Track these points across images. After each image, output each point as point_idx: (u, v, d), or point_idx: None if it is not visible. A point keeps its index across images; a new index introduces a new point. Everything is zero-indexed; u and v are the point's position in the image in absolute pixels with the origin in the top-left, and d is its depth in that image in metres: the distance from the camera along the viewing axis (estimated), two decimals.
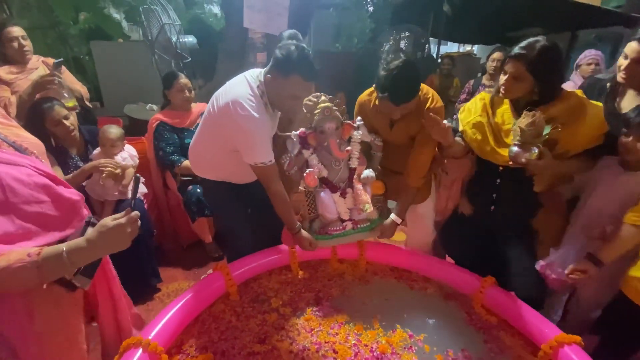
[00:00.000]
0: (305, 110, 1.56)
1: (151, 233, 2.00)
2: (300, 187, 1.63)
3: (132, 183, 0.93)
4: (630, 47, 1.32)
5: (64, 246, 0.81)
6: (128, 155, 1.92)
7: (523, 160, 1.30)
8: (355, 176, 1.61)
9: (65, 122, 1.75)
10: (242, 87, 1.33)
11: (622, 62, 1.38)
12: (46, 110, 1.71)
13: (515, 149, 1.31)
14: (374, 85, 1.50)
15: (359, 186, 1.59)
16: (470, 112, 1.57)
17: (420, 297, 1.64)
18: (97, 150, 1.88)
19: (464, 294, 1.63)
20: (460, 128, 1.59)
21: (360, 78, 4.49)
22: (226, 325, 1.45)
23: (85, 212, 1.07)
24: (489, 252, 1.61)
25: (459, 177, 1.73)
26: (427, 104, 1.49)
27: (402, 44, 6.91)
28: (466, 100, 3.00)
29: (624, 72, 1.36)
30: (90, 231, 0.84)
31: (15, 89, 1.92)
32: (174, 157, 2.20)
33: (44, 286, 0.86)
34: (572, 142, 1.34)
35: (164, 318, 1.27)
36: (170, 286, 2.09)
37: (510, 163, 1.35)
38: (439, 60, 4.64)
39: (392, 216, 1.65)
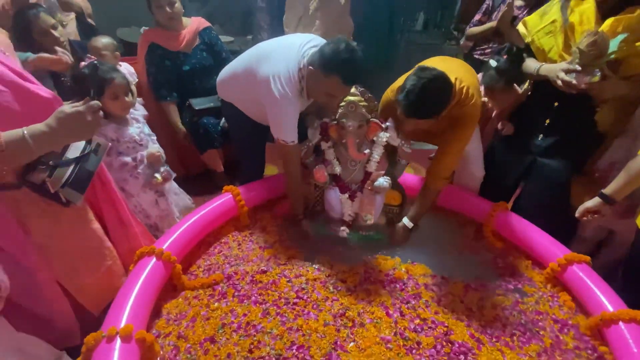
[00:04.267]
0: None
1: None
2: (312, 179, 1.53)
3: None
4: None
5: (24, 129, 0.80)
6: (127, 72, 1.78)
7: (583, 85, 1.18)
8: (369, 181, 1.47)
9: (54, 32, 1.59)
10: (289, 63, 1.31)
11: None
12: (32, 19, 1.55)
13: (574, 74, 1.19)
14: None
15: (367, 193, 1.47)
16: (542, 18, 1.38)
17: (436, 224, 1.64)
18: None
19: (477, 220, 1.62)
20: (528, 39, 1.43)
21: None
22: (229, 250, 1.46)
23: None
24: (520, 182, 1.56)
25: (506, 108, 1.61)
26: (461, 108, 1.30)
27: None
28: (481, 22, 2.24)
29: None
30: (49, 117, 0.83)
31: None
32: (162, 91, 2.01)
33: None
34: None
35: (177, 231, 1.28)
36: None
37: (571, 85, 1.21)
38: None
39: (405, 220, 1.49)
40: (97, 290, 1.15)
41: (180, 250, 1.26)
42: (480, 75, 1.65)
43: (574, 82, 1.19)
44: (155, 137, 1.60)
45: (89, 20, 2.27)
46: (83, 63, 1.51)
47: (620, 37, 1.14)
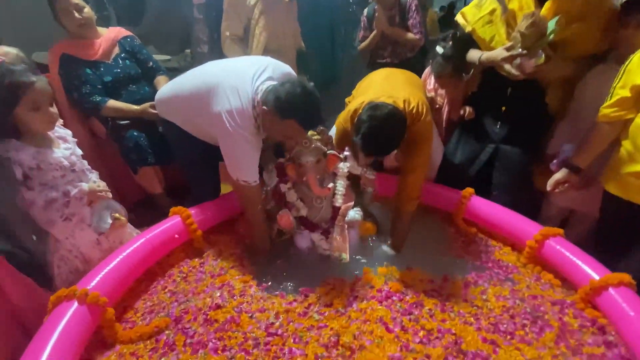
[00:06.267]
0: None
1: None
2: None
3: None
4: None
5: None
6: None
7: (530, 69, 1.22)
8: (339, 217, 1.38)
9: None
10: (242, 97, 1.21)
11: None
12: None
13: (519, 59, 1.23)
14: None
15: (340, 230, 1.38)
16: (479, 8, 1.40)
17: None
18: None
19: (449, 210, 1.58)
20: (469, 28, 1.43)
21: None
22: (174, 285, 1.20)
23: None
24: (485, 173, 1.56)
25: (457, 96, 1.64)
26: (414, 127, 1.27)
27: None
28: (365, 37, 2.17)
29: None
30: None
31: None
32: (95, 97, 1.73)
33: None
34: (582, 42, 1.24)
35: (106, 267, 0.99)
36: None
37: (518, 75, 1.25)
38: None
39: (387, 250, 1.42)
40: None
41: (113, 290, 0.98)
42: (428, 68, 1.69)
43: (515, 72, 1.24)
44: (86, 162, 1.29)
45: None
46: None
47: (557, 17, 1.18)
